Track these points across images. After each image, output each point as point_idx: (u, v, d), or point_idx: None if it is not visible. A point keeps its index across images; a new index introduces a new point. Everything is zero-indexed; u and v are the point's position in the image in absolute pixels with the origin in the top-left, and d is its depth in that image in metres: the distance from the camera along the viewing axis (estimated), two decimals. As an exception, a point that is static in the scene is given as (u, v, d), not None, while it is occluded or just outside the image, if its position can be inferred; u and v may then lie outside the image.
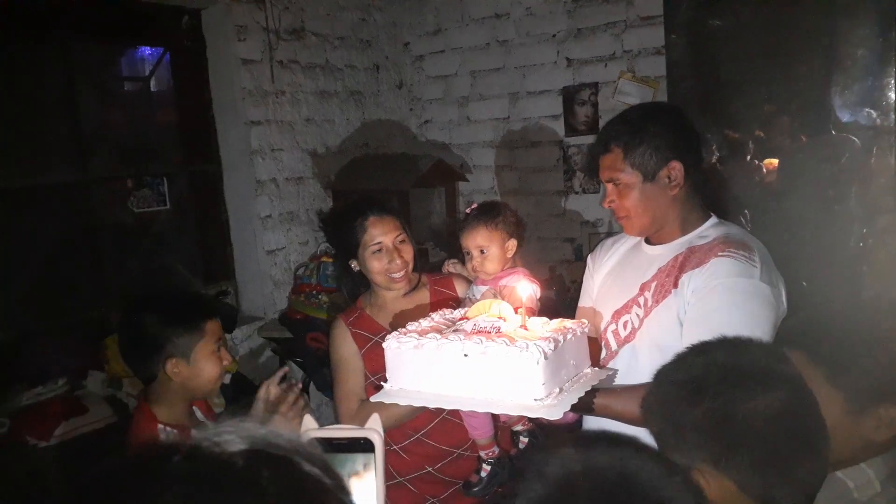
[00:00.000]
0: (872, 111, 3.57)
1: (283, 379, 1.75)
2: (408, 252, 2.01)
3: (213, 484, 0.53)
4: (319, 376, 3.48)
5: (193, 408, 1.87)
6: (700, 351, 1.21)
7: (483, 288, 1.96)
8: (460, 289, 2.10)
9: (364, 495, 0.82)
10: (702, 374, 1.12)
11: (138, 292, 3.25)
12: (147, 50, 3.76)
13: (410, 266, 2.02)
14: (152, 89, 3.85)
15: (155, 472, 0.54)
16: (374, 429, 0.84)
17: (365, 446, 0.83)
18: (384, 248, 1.98)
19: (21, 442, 2.51)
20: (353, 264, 2.05)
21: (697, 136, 1.77)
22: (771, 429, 1.05)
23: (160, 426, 1.73)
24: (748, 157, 3.75)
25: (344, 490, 0.60)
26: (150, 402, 1.80)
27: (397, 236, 2.00)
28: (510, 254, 1.98)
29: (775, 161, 3.75)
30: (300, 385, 1.79)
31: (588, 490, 0.76)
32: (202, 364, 1.78)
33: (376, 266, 1.98)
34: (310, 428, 0.86)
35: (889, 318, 1.31)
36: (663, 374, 1.21)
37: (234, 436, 0.58)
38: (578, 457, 0.80)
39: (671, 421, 1.11)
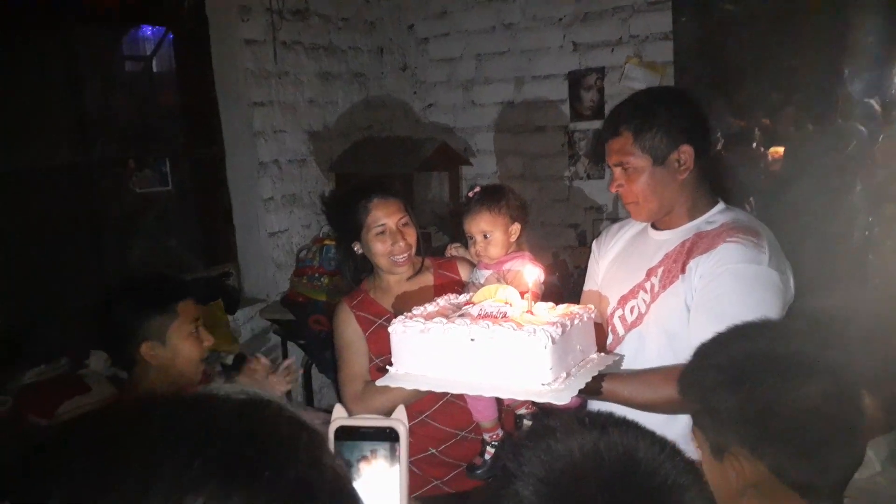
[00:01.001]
0: (879, 101, 3.56)
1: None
2: (411, 235, 2.01)
3: (195, 404, 0.62)
4: (321, 359, 3.48)
5: None
6: (743, 335, 1.20)
7: (486, 272, 1.95)
8: (464, 272, 2.10)
9: (388, 481, 0.85)
10: (744, 360, 1.11)
11: (138, 273, 3.25)
12: (149, 30, 3.73)
13: (413, 249, 2.01)
14: (154, 70, 3.82)
15: (146, 403, 0.63)
16: (399, 419, 0.87)
17: (390, 435, 0.87)
18: (388, 230, 1.97)
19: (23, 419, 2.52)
20: (357, 247, 2.04)
21: (706, 121, 1.76)
22: (810, 419, 1.04)
23: None
24: (754, 145, 3.74)
25: (320, 434, 0.66)
26: (131, 391, 1.79)
27: (401, 219, 1.99)
28: (514, 238, 1.97)
29: (781, 149, 3.74)
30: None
31: (594, 473, 0.74)
32: (179, 345, 1.77)
33: (379, 248, 1.97)
34: (339, 416, 0.88)
35: (866, 310, 1.30)
36: (704, 354, 1.19)
37: (225, 387, 0.66)
38: (576, 441, 0.77)
39: (709, 403, 1.11)
